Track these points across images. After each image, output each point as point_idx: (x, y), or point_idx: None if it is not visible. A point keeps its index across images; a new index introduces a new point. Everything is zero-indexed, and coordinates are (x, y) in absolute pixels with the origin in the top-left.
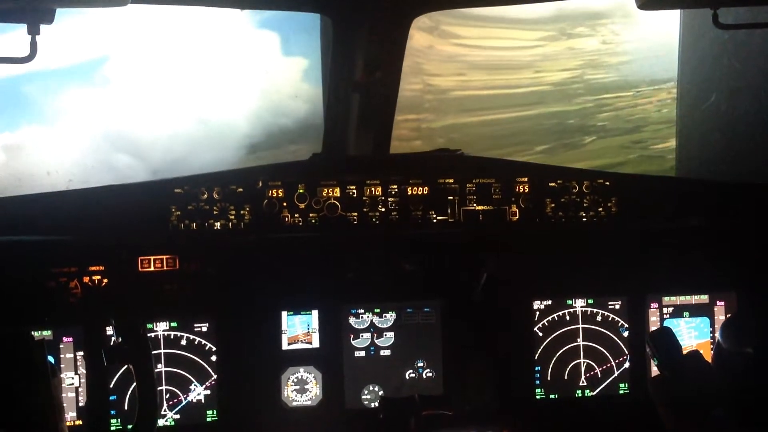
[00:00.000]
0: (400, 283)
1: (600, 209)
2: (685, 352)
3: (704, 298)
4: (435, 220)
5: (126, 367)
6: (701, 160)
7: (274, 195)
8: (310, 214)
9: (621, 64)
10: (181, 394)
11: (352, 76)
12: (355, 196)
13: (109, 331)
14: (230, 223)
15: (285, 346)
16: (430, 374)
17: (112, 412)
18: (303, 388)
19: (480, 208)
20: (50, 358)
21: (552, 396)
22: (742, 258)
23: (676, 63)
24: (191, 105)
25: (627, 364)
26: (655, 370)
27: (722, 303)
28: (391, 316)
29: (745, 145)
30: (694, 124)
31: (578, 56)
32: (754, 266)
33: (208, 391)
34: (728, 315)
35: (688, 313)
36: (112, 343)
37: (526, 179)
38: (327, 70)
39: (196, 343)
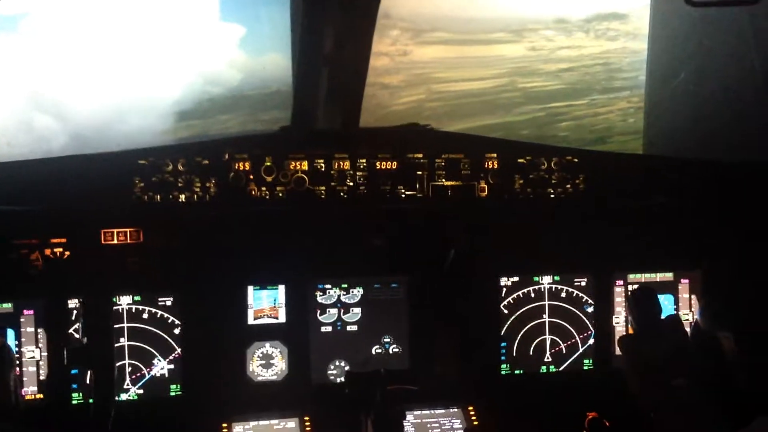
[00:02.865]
0: (368, 258)
1: (568, 186)
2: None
3: (669, 276)
4: (403, 195)
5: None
6: (669, 138)
7: (241, 168)
8: (277, 188)
9: (561, 71)
10: (144, 369)
11: (322, 50)
12: (323, 169)
13: (72, 304)
14: (195, 196)
15: (251, 321)
16: (397, 350)
17: (74, 386)
18: (269, 363)
19: (449, 183)
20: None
21: (517, 372)
22: (707, 236)
23: (630, 73)
24: (120, 69)
25: (591, 341)
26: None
27: (686, 281)
28: (358, 292)
29: (712, 123)
30: (663, 102)
31: (502, 63)
32: (718, 244)
33: (172, 366)
34: (693, 293)
35: None
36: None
37: (495, 155)
38: (297, 42)
39: (159, 317)
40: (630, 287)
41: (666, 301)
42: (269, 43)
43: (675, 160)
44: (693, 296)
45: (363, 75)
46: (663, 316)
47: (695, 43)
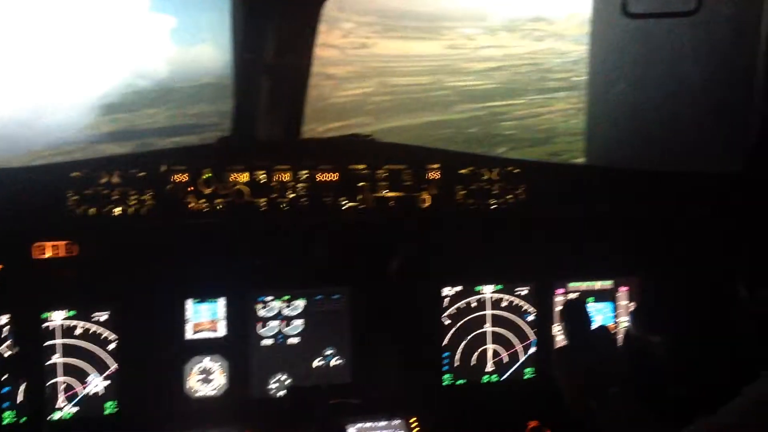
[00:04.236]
0: (310, 270)
1: (510, 196)
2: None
3: (608, 284)
4: (345, 207)
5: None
6: (609, 147)
7: (179, 180)
8: (217, 200)
9: (490, 70)
10: (78, 386)
11: (263, 58)
12: (264, 181)
13: (2, 320)
14: (132, 209)
15: (189, 335)
16: (339, 362)
17: (6, 404)
18: (208, 378)
19: (391, 194)
20: None
21: (459, 382)
22: (645, 244)
23: (562, 74)
24: (43, 62)
25: (533, 349)
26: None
27: (625, 288)
28: (300, 304)
29: (652, 132)
30: (603, 112)
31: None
32: (656, 252)
33: (108, 382)
34: (632, 301)
35: (593, 298)
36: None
37: (437, 166)
38: (237, 50)
39: (93, 332)
40: (570, 295)
41: (606, 309)
42: (200, 35)
43: (614, 170)
44: (632, 303)
45: (305, 83)
46: (594, 327)
47: (635, 52)
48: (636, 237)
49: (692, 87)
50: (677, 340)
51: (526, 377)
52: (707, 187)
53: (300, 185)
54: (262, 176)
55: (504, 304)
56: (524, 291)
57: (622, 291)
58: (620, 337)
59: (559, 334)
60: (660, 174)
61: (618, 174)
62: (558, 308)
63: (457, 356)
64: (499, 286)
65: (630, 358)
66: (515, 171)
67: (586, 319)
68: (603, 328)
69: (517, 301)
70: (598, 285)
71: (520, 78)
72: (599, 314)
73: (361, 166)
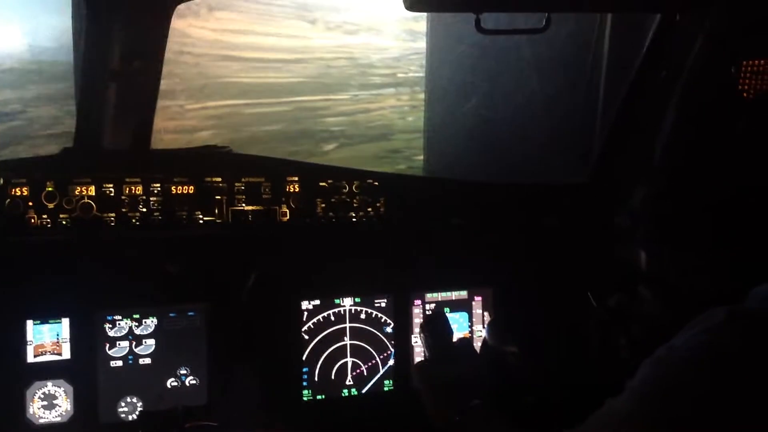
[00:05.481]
0: (163, 287)
1: (369, 209)
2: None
3: (463, 294)
4: (201, 221)
5: None
6: (448, 162)
7: (18, 194)
8: (61, 215)
9: (287, 62)
10: None
11: (109, 64)
12: (112, 195)
13: None
14: None
15: (30, 359)
16: (194, 381)
17: None
18: (51, 404)
19: (249, 208)
20: None
21: (319, 397)
22: (497, 255)
23: (384, 69)
24: None
25: (391, 362)
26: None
27: (479, 298)
28: (152, 322)
29: (501, 146)
30: (443, 127)
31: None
32: (506, 263)
33: None
34: (485, 310)
35: (449, 308)
36: None
37: (296, 178)
38: (80, 56)
39: None
40: (427, 306)
41: (461, 318)
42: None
43: (469, 183)
44: (485, 312)
45: (155, 90)
46: (455, 339)
47: (474, 68)
48: (488, 248)
49: (540, 101)
50: (529, 349)
51: (385, 389)
52: (555, 198)
53: (153, 199)
54: (110, 189)
55: (363, 316)
56: (383, 303)
57: (476, 300)
58: (479, 346)
59: (417, 346)
60: (511, 186)
61: (472, 187)
62: (416, 320)
63: (317, 371)
64: (358, 299)
65: (489, 368)
66: (375, 184)
67: (447, 332)
68: (464, 340)
69: (375, 313)
70: (454, 295)
71: (335, 72)
72: (455, 323)
73: (217, 179)
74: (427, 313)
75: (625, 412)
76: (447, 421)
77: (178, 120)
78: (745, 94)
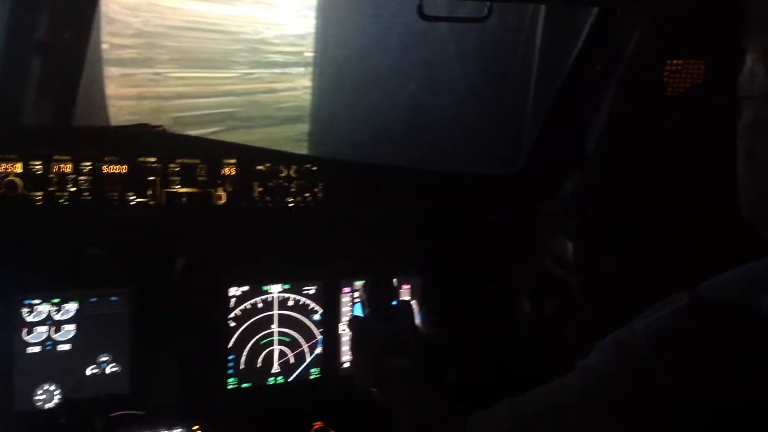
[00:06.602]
0: (85, 270)
1: (307, 195)
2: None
3: (393, 282)
4: (134, 202)
5: None
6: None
7: None
8: None
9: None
10: None
11: (35, 35)
12: (40, 173)
13: None
14: None
15: None
16: (116, 369)
17: None
18: None
19: (184, 190)
20: None
21: (245, 385)
22: (428, 244)
23: (286, 47)
24: None
25: (319, 349)
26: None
27: (408, 286)
28: (72, 307)
29: (438, 134)
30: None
31: None
32: (437, 252)
33: None
34: (413, 298)
35: None
36: None
37: (233, 161)
38: (3, 25)
39: None
40: (356, 294)
41: None
42: None
43: (404, 169)
44: (414, 300)
45: (82, 64)
46: (396, 302)
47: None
48: (420, 237)
49: (476, 91)
50: (456, 335)
51: (312, 377)
52: (487, 188)
53: (83, 178)
54: (38, 167)
55: (291, 303)
56: (312, 290)
57: (405, 289)
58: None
59: (345, 334)
60: (446, 175)
61: (408, 174)
62: (345, 308)
63: (243, 359)
64: (287, 285)
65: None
66: (314, 168)
67: (391, 293)
68: (404, 303)
69: (303, 300)
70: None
71: (214, 47)
72: None
73: (151, 159)
74: (355, 301)
75: (579, 391)
76: (371, 376)
77: None
78: (669, 91)
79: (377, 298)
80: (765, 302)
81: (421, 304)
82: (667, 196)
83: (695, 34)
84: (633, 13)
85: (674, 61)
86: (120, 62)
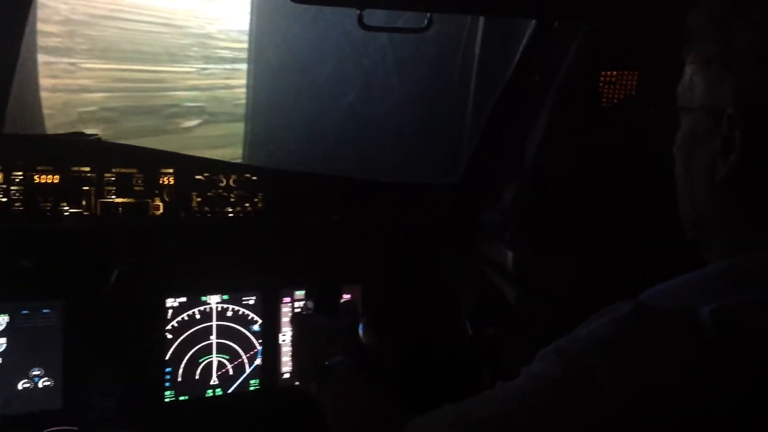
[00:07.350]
0: (17, 282)
1: (247, 205)
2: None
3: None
4: (67, 213)
5: None
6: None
7: None
8: None
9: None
10: None
11: None
12: None
13: None
14: None
15: None
16: (48, 383)
17: None
18: None
19: (120, 200)
20: None
21: (182, 398)
22: (368, 254)
23: (235, 44)
24: None
25: (258, 360)
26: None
27: (349, 295)
28: (2, 320)
29: (375, 144)
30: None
31: None
32: (377, 261)
33: None
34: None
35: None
36: None
37: (171, 170)
38: None
39: None
40: (296, 303)
41: None
42: None
43: (343, 179)
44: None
45: (12, 71)
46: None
47: (362, 64)
48: (360, 246)
49: (415, 100)
50: (392, 344)
51: (251, 388)
52: (426, 197)
53: (13, 188)
54: None
55: (230, 314)
56: (251, 300)
57: (345, 298)
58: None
59: (285, 345)
60: (386, 185)
61: (348, 184)
62: (285, 319)
63: (180, 371)
64: (226, 296)
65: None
66: (253, 178)
67: (335, 292)
68: (349, 302)
69: (242, 310)
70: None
71: (157, 41)
72: None
73: (86, 169)
74: (296, 310)
75: (525, 398)
76: (309, 371)
77: None
78: (604, 102)
79: (322, 297)
80: (705, 311)
81: (361, 315)
82: (605, 205)
83: (630, 46)
84: (570, 26)
85: (609, 72)
86: (45, 50)
